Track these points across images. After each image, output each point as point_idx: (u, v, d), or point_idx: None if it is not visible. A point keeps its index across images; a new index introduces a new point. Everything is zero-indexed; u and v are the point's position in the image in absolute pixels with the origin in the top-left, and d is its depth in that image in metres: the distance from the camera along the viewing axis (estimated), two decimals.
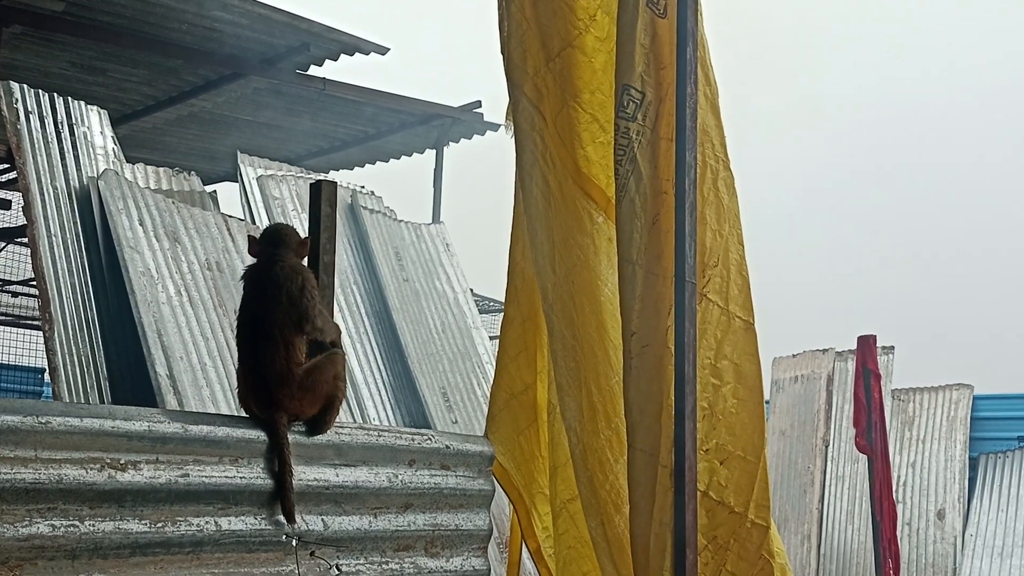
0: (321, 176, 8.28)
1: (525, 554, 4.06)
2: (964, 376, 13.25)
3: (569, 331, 3.44)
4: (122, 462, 1.95)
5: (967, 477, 12.41)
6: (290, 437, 2.30)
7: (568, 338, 3.44)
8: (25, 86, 6.63)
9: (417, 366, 7.58)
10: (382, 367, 7.58)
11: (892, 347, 13.10)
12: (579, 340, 3.43)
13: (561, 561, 3.72)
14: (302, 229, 6.98)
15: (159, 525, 1.97)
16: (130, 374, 6.08)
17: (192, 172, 7.70)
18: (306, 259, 2.97)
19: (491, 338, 8.17)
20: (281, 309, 2.73)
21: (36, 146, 6.50)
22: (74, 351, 5.97)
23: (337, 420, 2.65)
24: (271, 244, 2.96)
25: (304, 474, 2.20)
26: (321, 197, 3.00)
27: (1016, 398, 12.91)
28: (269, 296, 2.79)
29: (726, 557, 3.13)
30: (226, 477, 2.08)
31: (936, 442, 12.72)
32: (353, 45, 7.98)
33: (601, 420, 3.36)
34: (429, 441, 2.47)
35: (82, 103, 6.94)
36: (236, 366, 2.92)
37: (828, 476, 12.96)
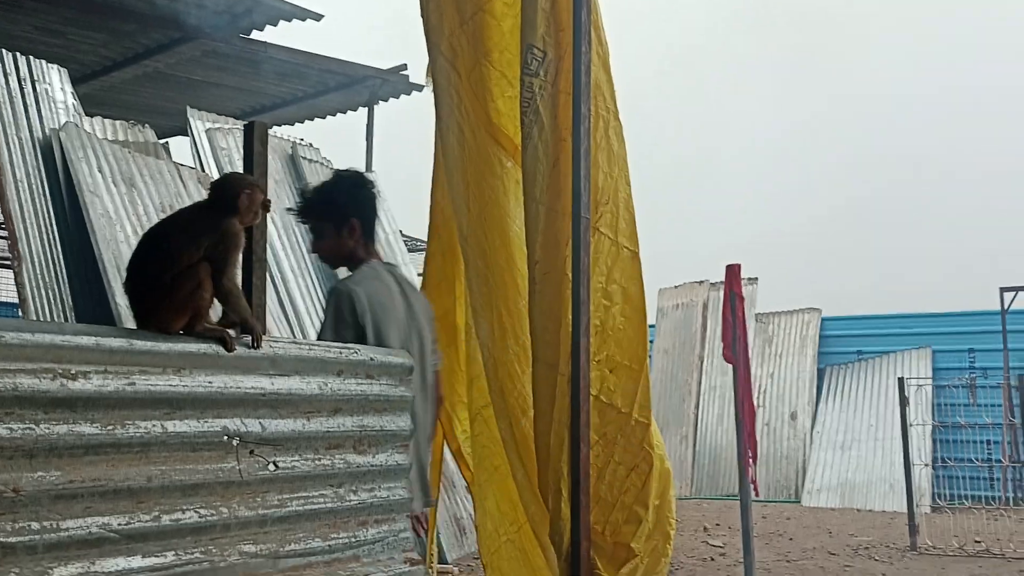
0: None
1: (447, 453, 4.07)
2: (814, 301, 13.66)
3: (482, 261, 3.40)
4: (73, 372, 1.84)
5: (815, 385, 12.87)
6: (232, 346, 2.16)
7: (481, 268, 3.40)
8: None
9: None
10: (321, 297, 7.46)
11: (756, 278, 13.40)
12: (491, 269, 3.39)
13: (476, 458, 3.73)
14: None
15: (109, 428, 1.88)
16: (92, 305, 5.86)
17: (146, 125, 7.37)
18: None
19: (418, 275, 8.07)
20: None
21: (1, 100, 6.14)
22: (41, 285, 5.73)
23: (273, 335, 2.50)
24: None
25: (242, 383, 2.12)
26: (254, 136, 2.86)
27: (856, 319, 13.38)
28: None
29: (614, 450, 3.17)
30: (169, 385, 1.98)
31: (790, 356, 13.14)
32: (291, 12, 7.69)
33: (510, 338, 3.34)
34: (356, 354, 2.39)
35: (43, 62, 6.56)
36: None
37: (703, 387, 13.31)
